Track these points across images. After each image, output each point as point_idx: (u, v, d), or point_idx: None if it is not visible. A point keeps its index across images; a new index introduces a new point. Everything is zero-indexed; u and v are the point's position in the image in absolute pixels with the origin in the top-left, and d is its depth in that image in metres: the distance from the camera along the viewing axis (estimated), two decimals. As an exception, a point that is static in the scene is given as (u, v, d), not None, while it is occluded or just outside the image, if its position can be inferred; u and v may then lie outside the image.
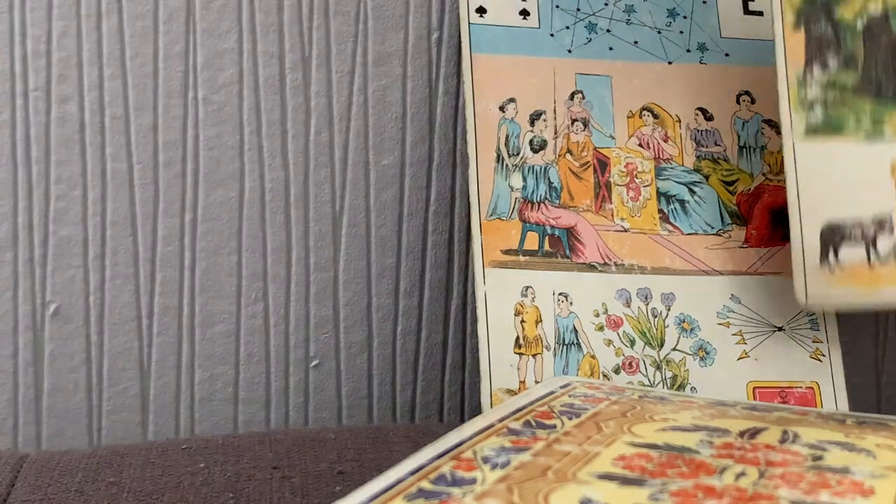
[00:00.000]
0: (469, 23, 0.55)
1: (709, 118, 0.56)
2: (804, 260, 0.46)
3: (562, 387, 0.39)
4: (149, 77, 0.54)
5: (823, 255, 0.46)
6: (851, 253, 0.46)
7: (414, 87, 0.57)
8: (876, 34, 0.48)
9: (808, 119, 0.47)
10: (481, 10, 0.55)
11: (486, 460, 0.29)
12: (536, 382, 0.49)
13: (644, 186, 0.54)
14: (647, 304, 0.52)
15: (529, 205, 0.53)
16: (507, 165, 0.53)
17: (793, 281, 0.46)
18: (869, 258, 0.46)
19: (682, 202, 0.54)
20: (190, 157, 0.55)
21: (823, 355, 0.52)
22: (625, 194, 0.54)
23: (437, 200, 0.58)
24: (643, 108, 0.56)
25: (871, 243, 0.46)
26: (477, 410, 0.50)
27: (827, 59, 0.48)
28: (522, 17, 0.56)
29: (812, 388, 0.51)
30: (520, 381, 0.50)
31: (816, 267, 0.46)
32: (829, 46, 0.48)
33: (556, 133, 0.54)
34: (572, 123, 0.55)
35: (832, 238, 0.46)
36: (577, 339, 0.51)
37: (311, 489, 0.41)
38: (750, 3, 0.58)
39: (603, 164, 0.55)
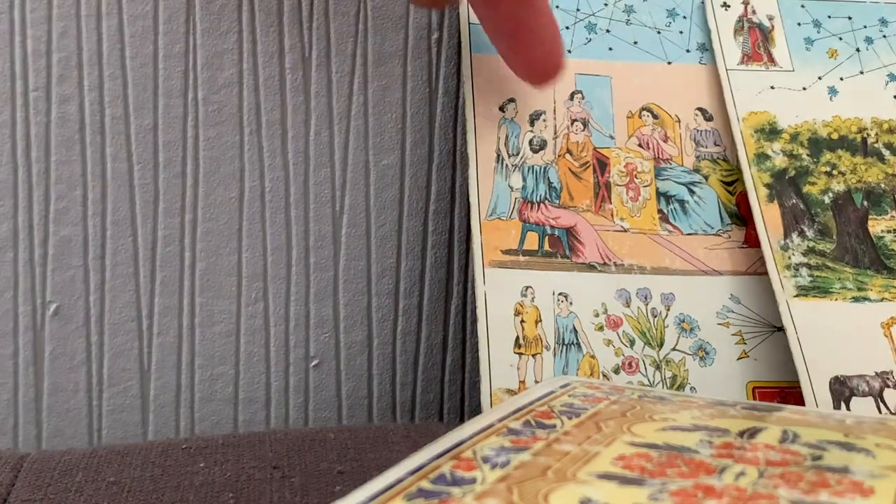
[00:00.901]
0: (469, 23, 0.55)
1: (708, 118, 0.56)
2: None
3: (561, 387, 0.39)
4: (149, 77, 0.54)
5: (836, 408, 0.47)
6: (862, 406, 0.47)
7: (414, 87, 0.57)
8: (843, 208, 0.52)
9: (796, 281, 0.49)
10: (481, 11, 0.55)
11: (485, 460, 0.29)
12: (536, 382, 0.49)
13: (644, 186, 0.54)
14: (647, 304, 0.52)
15: (529, 205, 0.53)
16: (506, 165, 0.53)
17: None
18: (879, 411, 0.47)
19: (681, 202, 0.54)
20: (190, 157, 0.55)
21: (823, 355, 0.52)
22: (624, 194, 0.54)
23: (437, 200, 0.58)
24: (643, 109, 0.56)
25: (878, 397, 0.47)
26: (477, 410, 0.50)
27: (804, 229, 0.51)
28: (522, 17, 0.56)
29: (812, 388, 0.51)
30: (520, 381, 0.50)
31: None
32: (804, 217, 0.51)
33: (555, 133, 0.55)
34: (572, 123, 0.55)
35: (842, 392, 0.47)
36: (577, 339, 0.51)
37: (311, 489, 0.41)
38: (750, 4, 0.58)
39: (603, 165, 0.55)
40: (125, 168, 0.54)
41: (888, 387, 0.48)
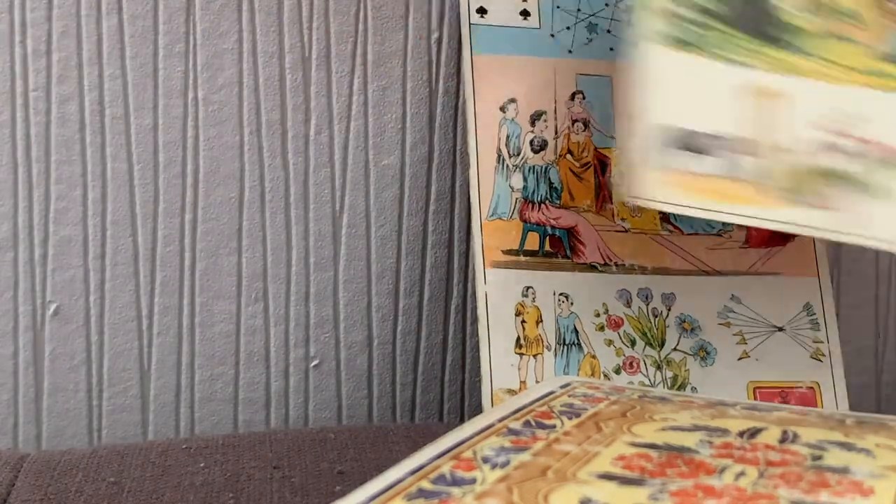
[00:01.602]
0: (469, 23, 0.55)
1: (709, 118, 0.56)
2: (640, 155, 0.45)
3: (562, 387, 0.39)
4: (149, 77, 0.54)
5: (661, 154, 0.45)
6: (691, 160, 0.45)
7: (414, 87, 0.57)
8: None
9: (669, 29, 0.47)
10: (482, 11, 0.55)
11: (485, 460, 0.29)
12: (537, 382, 0.49)
13: (644, 186, 0.54)
14: (648, 305, 0.52)
15: (530, 205, 0.53)
16: (507, 166, 0.53)
17: (627, 179, 0.45)
18: (706, 169, 0.45)
19: (682, 202, 0.54)
20: (190, 157, 0.55)
21: (823, 355, 0.52)
22: (625, 194, 0.54)
23: (437, 200, 0.58)
24: (643, 109, 0.55)
25: (710, 156, 0.45)
26: (477, 410, 0.50)
27: None
28: (523, 17, 0.56)
29: (812, 388, 0.51)
30: (520, 381, 0.50)
31: (652, 164, 0.45)
32: None
33: (556, 133, 0.54)
34: (573, 124, 0.55)
35: (675, 141, 0.45)
36: (578, 339, 0.51)
37: (311, 489, 0.41)
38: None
39: (604, 165, 0.55)
40: (125, 168, 0.54)
41: (741, 153, 0.45)
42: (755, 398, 0.51)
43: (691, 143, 0.46)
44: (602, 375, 0.50)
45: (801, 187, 0.45)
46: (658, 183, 0.45)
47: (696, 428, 0.32)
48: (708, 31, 0.48)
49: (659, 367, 0.51)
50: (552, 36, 0.56)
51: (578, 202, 0.54)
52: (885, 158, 0.46)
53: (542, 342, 0.51)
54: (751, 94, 0.47)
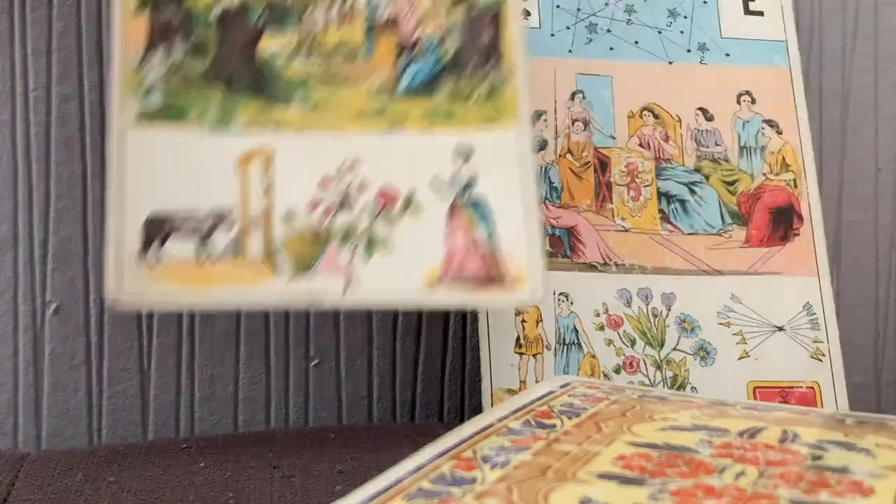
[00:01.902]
0: (469, 23, 0.55)
1: (709, 118, 0.56)
2: (122, 253, 0.42)
3: (562, 386, 0.39)
4: (149, 77, 0.54)
5: (144, 248, 0.42)
6: (180, 248, 0.42)
7: (414, 86, 0.57)
8: (231, 25, 0.46)
9: (143, 104, 0.44)
10: (482, 10, 0.55)
11: (485, 460, 0.29)
12: (537, 382, 0.49)
13: (644, 186, 0.54)
14: (648, 304, 0.52)
15: (530, 205, 0.53)
16: (507, 165, 0.53)
17: (105, 278, 0.41)
18: (200, 254, 0.42)
19: (682, 202, 0.54)
20: (190, 156, 0.55)
21: (823, 355, 0.52)
22: (625, 194, 0.54)
23: (437, 200, 0.58)
24: (644, 109, 0.56)
25: (204, 238, 0.42)
26: (477, 410, 0.50)
27: (172, 46, 0.45)
28: (523, 17, 0.56)
29: (812, 388, 0.51)
30: (520, 381, 0.50)
31: (135, 261, 0.42)
32: (177, 33, 0.45)
33: (556, 133, 0.54)
34: (573, 123, 0.55)
35: (158, 231, 0.42)
36: (578, 339, 0.51)
37: (311, 489, 0.41)
38: (750, 3, 0.58)
39: (603, 164, 0.55)
40: (125, 168, 0.54)
41: (220, 227, 0.42)
42: (755, 398, 0.51)
43: (176, 227, 0.43)
44: (602, 375, 0.50)
45: (301, 255, 0.43)
46: (142, 279, 0.42)
47: (696, 428, 0.32)
48: (187, 96, 0.45)
49: (659, 367, 0.51)
50: (552, 35, 0.56)
51: (578, 202, 0.54)
52: (384, 208, 0.44)
53: (542, 342, 0.51)
54: (239, 159, 0.44)
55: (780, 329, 0.52)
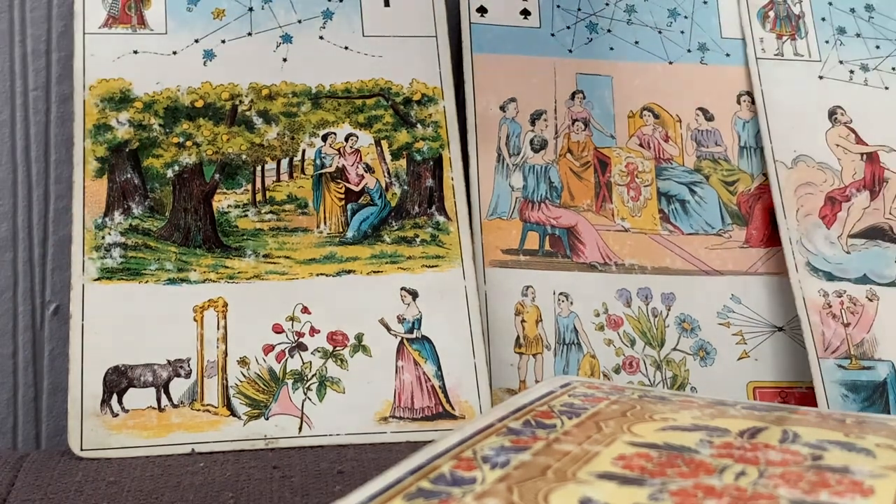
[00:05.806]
0: (470, 23, 0.55)
1: (709, 118, 0.56)
2: (82, 407, 0.46)
3: (562, 386, 0.39)
4: (149, 77, 0.54)
5: (105, 401, 0.46)
6: (139, 398, 0.46)
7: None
8: (188, 182, 0.49)
9: (103, 263, 0.47)
10: (482, 10, 0.55)
11: (485, 460, 0.29)
12: (537, 382, 0.49)
13: (644, 186, 0.54)
14: (648, 304, 0.52)
15: (530, 204, 0.53)
16: (507, 165, 0.53)
17: (68, 433, 0.46)
18: (159, 403, 0.46)
19: (682, 202, 0.54)
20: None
21: (824, 355, 0.52)
22: (625, 194, 0.54)
23: (437, 200, 0.58)
24: (644, 108, 0.56)
25: (163, 388, 0.46)
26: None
27: (131, 205, 0.49)
28: (523, 16, 0.56)
29: (812, 388, 0.51)
30: (520, 381, 0.50)
31: (96, 413, 0.46)
32: (136, 193, 0.49)
33: (556, 133, 0.54)
34: (573, 123, 0.55)
35: (117, 383, 0.46)
36: (578, 339, 0.51)
37: (311, 489, 0.41)
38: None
39: (603, 164, 0.55)
40: (125, 168, 0.54)
41: (179, 376, 0.46)
42: (755, 398, 0.51)
43: (135, 378, 0.46)
44: (602, 375, 0.51)
45: (256, 398, 0.47)
46: (103, 432, 0.45)
47: (696, 428, 0.32)
48: (145, 253, 0.48)
49: (659, 367, 0.51)
50: (552, 35, 0.56)
51: (578, 202, 0.54)
52: (334, 349, 0.48)
53: (542, 342, 0.51)
54: (195, 309, 0.47)
55: (780, 329, 0.52)
